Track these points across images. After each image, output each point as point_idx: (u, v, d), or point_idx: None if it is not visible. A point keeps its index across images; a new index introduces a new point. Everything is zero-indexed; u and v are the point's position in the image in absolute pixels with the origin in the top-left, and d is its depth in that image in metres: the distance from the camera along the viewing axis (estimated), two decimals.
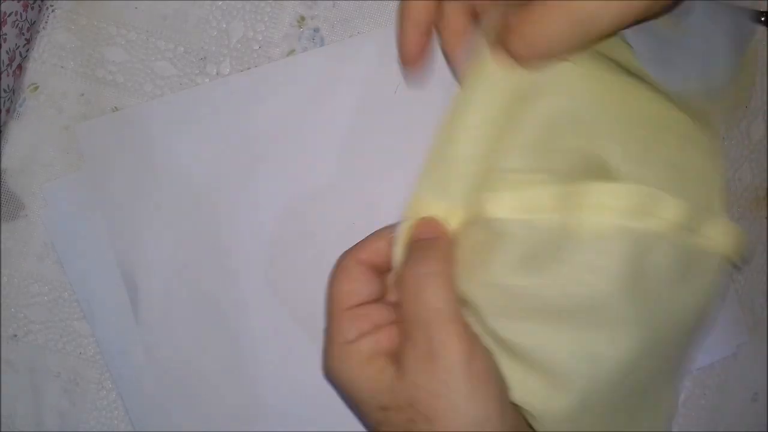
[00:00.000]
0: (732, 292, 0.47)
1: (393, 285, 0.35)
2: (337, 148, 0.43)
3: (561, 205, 0.31)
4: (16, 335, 0.43)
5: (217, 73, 0.43)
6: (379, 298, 0.35)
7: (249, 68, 0.43)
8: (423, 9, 0.34)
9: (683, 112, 0.36)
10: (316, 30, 0.44)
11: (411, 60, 0.36)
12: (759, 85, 0.48)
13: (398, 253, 0.34)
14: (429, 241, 0.33)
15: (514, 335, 0.31)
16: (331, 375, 0.34)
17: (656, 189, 0.31)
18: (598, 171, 0.33)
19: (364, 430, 0.43)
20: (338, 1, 0.44)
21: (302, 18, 0.44)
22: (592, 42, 0.31)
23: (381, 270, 0.35)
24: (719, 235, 0.34)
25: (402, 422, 0.31)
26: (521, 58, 0.31)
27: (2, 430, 0.42)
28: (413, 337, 0.31)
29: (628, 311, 0.31)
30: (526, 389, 0.32)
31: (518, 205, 0.31)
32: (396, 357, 0.32)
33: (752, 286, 0.48)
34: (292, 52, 0.44)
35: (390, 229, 0.35)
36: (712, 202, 0.35)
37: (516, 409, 0.33)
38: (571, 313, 0.31)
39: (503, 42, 0.31)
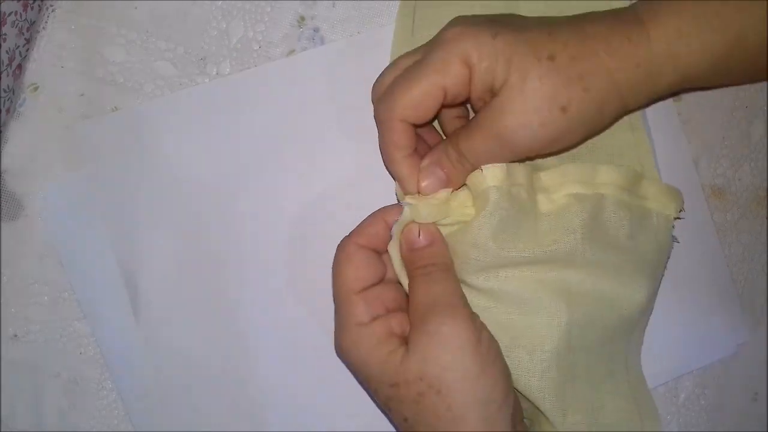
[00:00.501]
0: (732, 292, 0.47)
1: (398, 273, 0.38)
2: (336, 148, 0.43)
3: (527, 182, 0.38)
4: (16, 335, 0.43)
5: (217, 73, 0.43)
6: (383, 278, 0.38)
7: (249, 68, 0.43)
8: (405, 135, 0.37)
9: None
10: (316, 30, 0.44)
11: (412, 188, 0.38)
12: (759, 85, 0.48)
13: (395, 251, 0.38)
14: (431, 241, 0.37)
15: (500, 283, 0.38)
16: (343, 355, 0.37)
17: (591, 164, 0.39)
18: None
19: (363, 430, 0.43)
20: (338, 1, 0.44)
21: (302, 18, 0.44)
22: (520, 156, 0.37)
23: (380, 252, 0.38)
24: (656, 194, 0.41)
25: (412, 396, 0.34)
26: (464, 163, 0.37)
27: (2, 430, 0.42)
28: (426, 322, 0.35)
29: (592, 255, 0.38)
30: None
31: (503, 175, 0.37)
32: (405, 338, 0.36)
33: (752, 286, 0.48)
34: (292, 52, 0.44)
35: (383, 212, 0.38)
36: (642, 166, 0.42)
37: (517, 401, 0.37)
38: (547, 262, 0.38)
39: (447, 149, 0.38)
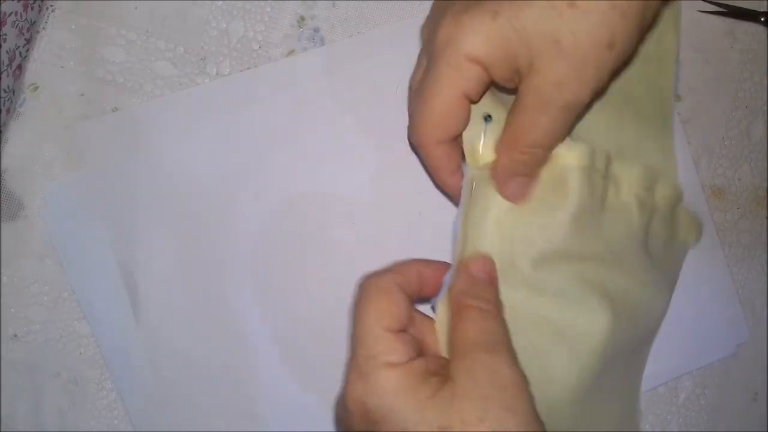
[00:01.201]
0: (732, 292, 0.47)
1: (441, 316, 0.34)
2: (337, 148, 0.43)
3: (604, 170, 0.36)
4: (16, 335, 0.43)
5: (217, 73, 0.43)
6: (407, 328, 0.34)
7: (249, 68, 0.43)
8: (447, 155, 0.35)
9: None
10: (316, 30, 0.44)
11: (450, 190, 0.37)
12: (759, 85, 0.48)
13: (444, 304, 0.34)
14: (484, 280, 0.34)
15: (550, 274, 0.35)
16: (357, 406, 0.32)
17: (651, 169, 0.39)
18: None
19: None
20: (338, 1, 0.44)
21: (302, 18, 0.44)
22: (573, 116, 0.34)
23: (410, 298, 0.34)
24: (686, 221, 0.42)
25: None
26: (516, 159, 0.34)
27: (2, 430, 0.42)
28: (478, 360, 0.31)
29: (639, 264, 0.38)
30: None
31: (588, 158, 0.35)
32: (441, 378, 0.32)
33: (752, 286, 0.48)
34: (292, 52, 0.44)
35: (419, 263, 0.35)
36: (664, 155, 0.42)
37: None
38: (600, 260, 0.36)
39: (500, 154, 0.35)
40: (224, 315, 0.43)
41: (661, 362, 0.46)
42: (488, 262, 0.34)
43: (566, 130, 0.34)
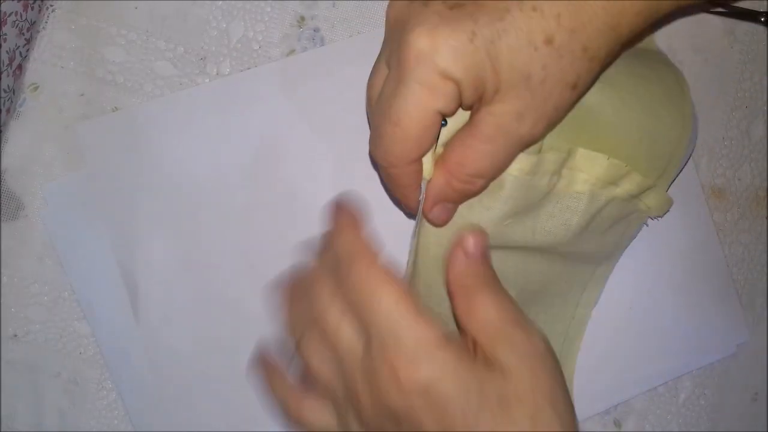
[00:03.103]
0: (732, 292, 0.47)
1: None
2: (337, 148, 0.43)
3: (556, 168, 0.37)
4: (16, 335, 0.43)
5: (217, 73, 0.43)
6: None
7: (249, 68, 0.43)
8: (417, 174, 0.35)
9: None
10: (316, 30, 0.44)
11: (416, 208, 0.36)
12: (759, 85, 0.48)
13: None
14: (480, 255, 0.35)
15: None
16: (431, 384, 0.31)
17: (626, 164, 0.38)
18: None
19: None
20: (338, 1, 0.44)
21: (302, 18, 0.44)
22: (521, 150, 0.34)
23: None
24: (653, 201, 0.41)
25: (528, 412, 0.31)
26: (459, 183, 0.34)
27: (2, 430, 0.42)
28: (513, 338, 0.32)
29: (569, 248, 0.39)
30: None
31: (527, 167, 0.35)
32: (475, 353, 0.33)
33: (752, 286, 0.48)
34: (292, 52, 0.44)
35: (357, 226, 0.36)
36: (664, 171, 0.41)
37: None
38: (534, 249, 0.39)
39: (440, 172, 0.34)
40: (224, 315, 0.43)
41: (661, 362, 0.46)
42: (480, 236, 0.34)
43: (509, 162, 0.34)
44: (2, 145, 0.42)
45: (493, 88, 0.31)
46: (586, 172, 0.37)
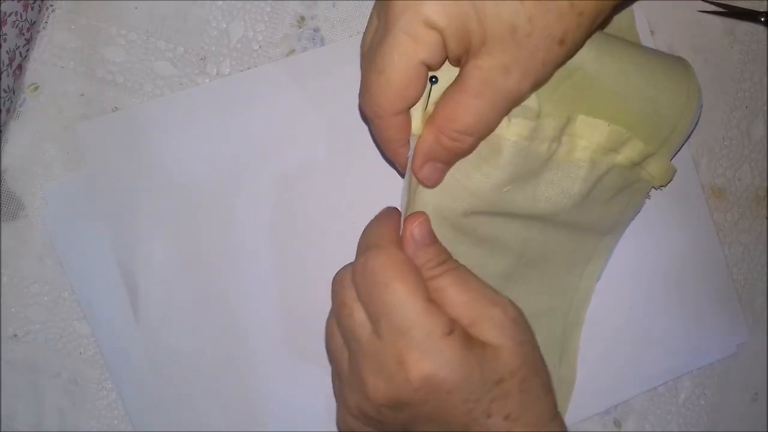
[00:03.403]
0: (732, 292, 0.47)
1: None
2: (337, 148, 0.43)
3: (556, 134, 0.36)
4: (16, 335, 0.43)
5: (217, 73, 0.43)
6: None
7: (249, 68, 0.43)
8: (403, 127, 0.35)
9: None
10: (316, 30, 0.44)
11: (405, 165, 0.36)
12: (759, 85, 0.48)
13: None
14: (426, 242, 0.35)
15: (485, 227, 0.38)
16: (436, 373, 0.32)
17: (628, 130, 0.38)
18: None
19: None
20: (338, 1, 0.44)
21: (302, 18, 0.44)
22: (510, 106, 0.34)
23: None
24: (656, 169, 0.40)
25: (516, 386, 0.33)
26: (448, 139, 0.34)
27: (2, 430, 0.42)
28: (489, 313, 0.34)
29: (572, 216, 0.39)
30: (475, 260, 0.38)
31: (525, 132, 0.35)
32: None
33: (752, 286, 0.48)
34: (292, 52, 0.44)
35: (393, 218, 0.36)
36: (666, 140, 0.40)
37: None
38: (535, 217, 0.39)
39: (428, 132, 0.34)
40: (224, 315, 0.43)
41: (661, 362, 0.46)
42: (418, 218, 0.35)
43: (499, 120, 0.34)
44: (2, 145, 0.42)
45: (479, 40, 0.31)
46: (587, 139, 0.37)
